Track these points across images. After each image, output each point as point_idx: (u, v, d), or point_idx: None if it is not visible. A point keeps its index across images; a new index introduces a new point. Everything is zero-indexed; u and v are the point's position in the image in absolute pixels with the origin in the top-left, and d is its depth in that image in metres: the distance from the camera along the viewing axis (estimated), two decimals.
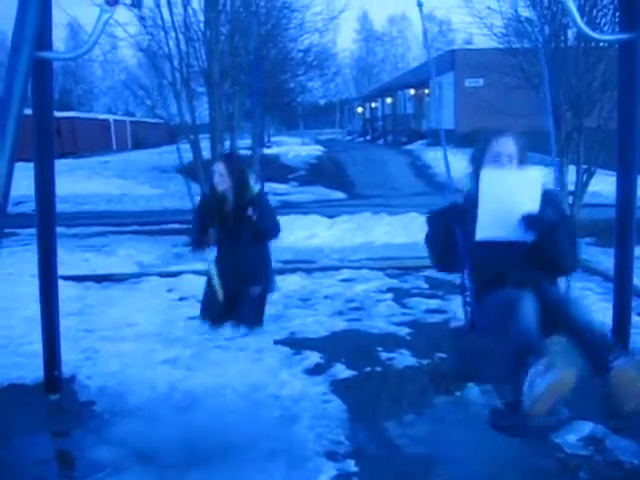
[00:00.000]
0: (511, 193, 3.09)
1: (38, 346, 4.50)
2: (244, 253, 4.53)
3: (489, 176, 3.11)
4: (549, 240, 3.05)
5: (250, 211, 4.42)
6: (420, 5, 3.71)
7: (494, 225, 3.09)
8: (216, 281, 4.54)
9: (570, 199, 12.21)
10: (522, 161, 3.24)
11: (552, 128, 3.82)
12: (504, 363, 2.86)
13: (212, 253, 4.64)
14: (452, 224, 3.20)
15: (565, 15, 10.47)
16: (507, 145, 3.21)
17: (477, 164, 3.25)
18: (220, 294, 4.53)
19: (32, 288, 4.58)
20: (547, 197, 3.16)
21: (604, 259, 7.76)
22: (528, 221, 3.06)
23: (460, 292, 3.39)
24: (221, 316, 4.59)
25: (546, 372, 2.65)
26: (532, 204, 3.08)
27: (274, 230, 4.66)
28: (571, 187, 12.23)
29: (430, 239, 3.36)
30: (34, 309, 4.51)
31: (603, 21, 11.28)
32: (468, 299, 3.27)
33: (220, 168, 4.57)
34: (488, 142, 3.24)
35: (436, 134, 31.23)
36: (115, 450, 3.67)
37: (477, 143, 3.36)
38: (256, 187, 4.60)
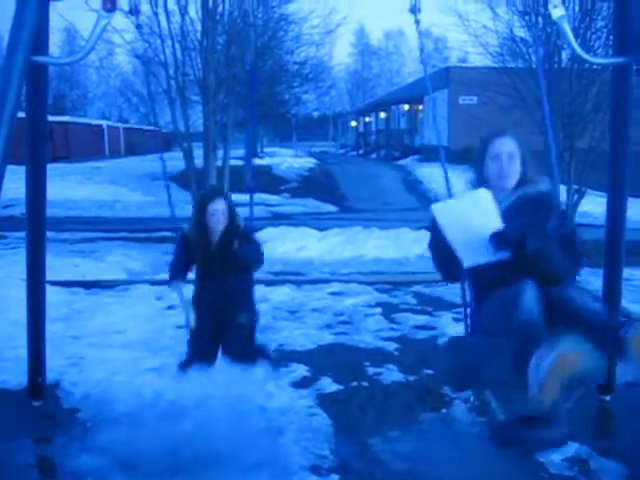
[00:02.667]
0: (469, 218, 3.04)
1: (23, 351, 4.47)
2: (229, 285, 4.46)
3: (440, 209, 3.11)
4: (524, 257, 2.93)
5: (236, 244, 4.39)
6: (417, 22, 3.74)
7: (472, 252, 3.04)
8: (190, 315, 4.54)
9: None
10: (525, 160, 3.18)
11: (553, 145, 3.78)
12: (507, 360, 2.76)
13: (187, 288, 4.60)
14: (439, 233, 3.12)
15: (560, 37, 10.57)
16: (506, 144, 3.16)
17: (478, 167, 3.21)
18: (192, 324, 4.52)
19: (19, 292, 4.55)
20: (534, 203, 3.11)
21: (593, 280, 7.77)
22: (495, 241, 2.98)
23: (462, 299, 3.30)
24: (210, 351, 4.49)
25: (549, 354, 2.60)
26: (493, 223, 3.01)
27: (260, 261, 4.62)
28: (561, 207, 12.29)
29: (432, 246, 3.27)
30: (21, 313, 4.48)
31: (597, 44, 11.41)
32: (469, 309, 3.21)
33: (222, 207, 4.47)
34: (487, 143, 3.20)
35: (429, 150, 31.36)
36: (98, 458, 3.63)
37: (478, 147, 3.30)
38: (241, 221, 4.61)
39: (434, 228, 3.21)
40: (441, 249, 3.14)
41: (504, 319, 2.78)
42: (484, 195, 3.05)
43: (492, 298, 2.96)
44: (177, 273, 4.60)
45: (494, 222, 3.02)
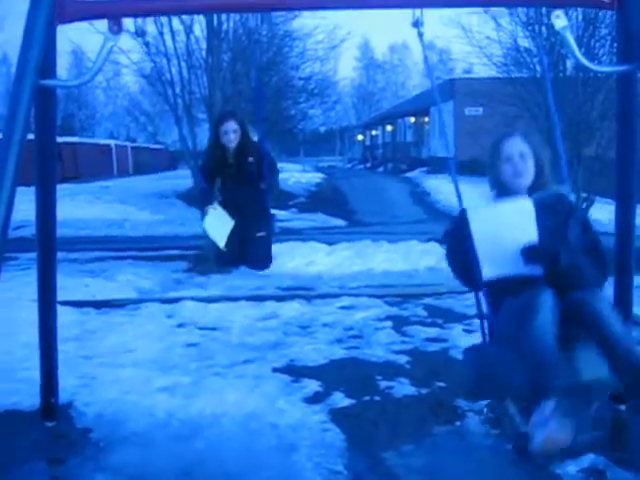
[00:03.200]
0: (504, 227, 2.98)
1: (35, 372, 4.48)
2: (247, 198, 4.93)
3: (478, 216, 3.04)
4: (557, 272, 2.88)
5: (251, 159, 4.91)
6: (421, 35, 3.75)
7: (497, 263, 2.97)
8: (215, 229, 4.89)
9: None
10: (539, 160, 3.14)
11: (562, 151, 3.73)
12: (520, 374, 2.73)
13: (216, 204, 4.95)
14: (465, 236, 3.06)
15: (564, 46, 10.60)
16: (517, 145, 3.12)
17: (494, 171, 3.19)
18: (222, 242, 4.86)
19: (31, 313, 4.57)
20: (552, 208, 3.06)
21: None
22: (527, 255, 2.92)
23: (477, 310, 3.23)
24: (233, 259, 5.14)
25: (547, 422, 2.63)
26: (528, 235, 2.94)
27: (276, 172, 5.22)
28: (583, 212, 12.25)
29: (449, 255, 3.22)
30: (32, 334, 4.50)
31: (601, 52, 11.42)
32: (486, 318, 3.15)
33: (233, 126, 4.92)
34: (498, 147, 3.16)
35: (436, 162, 31.36)
36: (112, 478, 3.63)
37: (489, 151, 3.27)
38: (255, 137, 5.15)
39: (449, 237, 3.19)
40: (460, 255, 3.09)
41: (521, 326, 2.71)
42: (526, 205, 2.99)
43: (509, 304, 2.89)
44: (206, 191, 5.08)
45: (529, 234, 2.94)
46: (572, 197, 3.23)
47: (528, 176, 3.13)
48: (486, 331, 3.15)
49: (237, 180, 4.97)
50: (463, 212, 3.10)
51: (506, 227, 2.97)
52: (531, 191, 3.12)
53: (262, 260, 5.12)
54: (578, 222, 3.07)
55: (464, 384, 3.25)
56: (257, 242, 5.04)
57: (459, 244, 3.09)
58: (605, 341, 2.74)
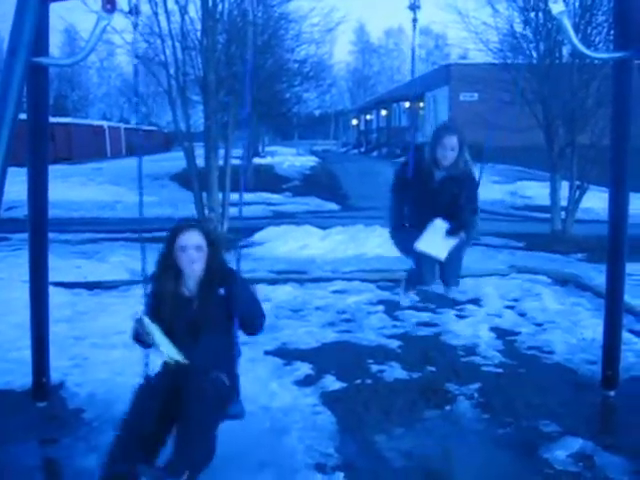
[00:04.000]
0: (439, 229, 4.47)
1: (27, 352, 4.48)
2: (208, 359, 3.32)
3: (421, 242, 4.47)
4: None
5: (222, 292, 3.36)
6: (414, 21, 3.74)
7: (429, 246, 4.47)
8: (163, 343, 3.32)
9: (562, 214, 12.28)
10: (462, 149, 4.39)
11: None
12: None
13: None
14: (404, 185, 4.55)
15: (560, 32, 10.56)
16: (453, 141, 4.34)
17: (432, 148, 4.44)
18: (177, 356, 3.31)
19: (23, 293, 4.56)
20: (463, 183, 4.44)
21: (595, 275, 7.79)
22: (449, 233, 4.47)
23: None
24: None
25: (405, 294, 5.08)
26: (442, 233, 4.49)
27: (261, 325, 3.51)
28: (564, 203, 12.30)
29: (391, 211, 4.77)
30: (24, 315, 4.49)
31: (598, 39, 11.41)
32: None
33: (197, 239, 3.35)
34: (440, 137, 4.40)
35: None
36: (104, 458, 3.63)
37: (433, 134, 4.46)
38: (229, 264, 3.49)
39: (398, 177, 4.66)
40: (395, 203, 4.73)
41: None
42: (443, 224, 4.45)
43: (414, 253, 4.50)
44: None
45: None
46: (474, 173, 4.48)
47: (452, 159, 4.41)
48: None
49: (195, 326, 3.36)
50: (407, 158, 4.50)
51: (439, 229, 4.50)
52: (449, 167, 4.43)
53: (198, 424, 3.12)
54: (470, 186, 4.47)
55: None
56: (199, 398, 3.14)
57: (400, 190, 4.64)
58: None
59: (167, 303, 3.40)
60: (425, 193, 4.44)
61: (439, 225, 4.48)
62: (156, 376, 3.43)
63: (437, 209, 4.45)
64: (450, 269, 4.59)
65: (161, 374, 3.43)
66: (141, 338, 3.41)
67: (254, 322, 3.49)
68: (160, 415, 3.18)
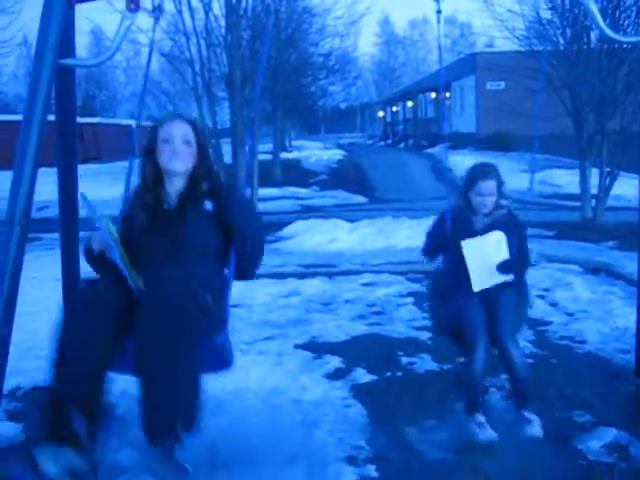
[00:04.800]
0: (489, 252, 3.97)
1: None
2: (189, 281, 2.84)
3: (469, 246, 3.98)
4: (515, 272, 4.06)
5: (209, 205, 2.93)
6: (439, 12, 3.73)
7: (484, 278, 3.98)
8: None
9: (593, 202, 12.12)
10: (499, 191, 4.03)
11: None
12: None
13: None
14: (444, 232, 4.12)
15: (587, 17, 10.41)
16: (491, 186, 3.97)
17: (466, 189, 4.08)
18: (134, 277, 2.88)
19: (55, 292, 4.62)
20: (505, 223, 4.05)
21: (628, 263, 7.67)
22: (504, 267, 3.98)
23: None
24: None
25: (481, 428, 3.80)
26: (503, 254, 3.99)
27: (260, 254, 3.01)
28: (594, 190, 12.14)
29: (426, 248, 4.42)
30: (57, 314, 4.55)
31: (627, 22, 11.21)
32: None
33: (185, 130, 2.98)
34: (475, 181, 4.01)
35: (457, 137, 31.10)
36: (137, 453, 3.68)
37: (467, 176, 4.10)
38: (215, 166, 3.20)
39: (435, 232, 4.27)
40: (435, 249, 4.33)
41: (462, 343, 3.97)
42: (499, 236, 4.00)
43: (457, 314, 3.93)
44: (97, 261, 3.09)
45: (503, 254, 3.99)
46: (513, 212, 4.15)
47: (490, 208, 4.06)
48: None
49: (175, 247, 2.94)
50: (444, 213, 4.17)
51: (489, 252, 3.99)
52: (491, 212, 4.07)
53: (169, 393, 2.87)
54: (520, 234, 4.10)
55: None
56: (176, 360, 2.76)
57: (437, 240, 4.25)
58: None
59: (142, 222, 2.98)
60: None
61: (492, 240, 3.99)
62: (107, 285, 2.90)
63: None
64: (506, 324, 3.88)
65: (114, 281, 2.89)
66: (93, 258, 3.05)
67: (253, 255, 2.95)
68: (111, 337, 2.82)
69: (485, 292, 3.95)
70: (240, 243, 2.93)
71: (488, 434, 3.71)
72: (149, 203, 3.00)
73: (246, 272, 3.05)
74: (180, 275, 2.82)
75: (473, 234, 4.00)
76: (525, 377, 3.87)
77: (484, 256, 3.98)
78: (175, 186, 2.99)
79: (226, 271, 3.03)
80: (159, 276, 2.83)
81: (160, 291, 2.76)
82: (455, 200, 4.19)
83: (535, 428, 3.75)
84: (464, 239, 3.97)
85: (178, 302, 2.70)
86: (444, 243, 4.12)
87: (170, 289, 2.76)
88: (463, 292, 3.95)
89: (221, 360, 3.07)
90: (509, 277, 4.00)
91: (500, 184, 4.02)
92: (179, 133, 2.98)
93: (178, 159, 2.94)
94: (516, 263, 4.01)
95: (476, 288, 3.94)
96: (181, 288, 2.76)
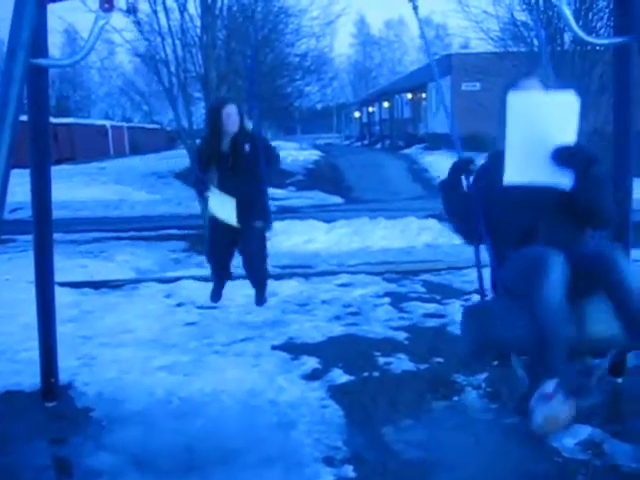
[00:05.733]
0: (544, 122, 2.65)
1: (35, 353, 4.50)
2: (244, 188, 4.83)
3: (518, 101, 2.66)
4: (585, 182, 2.71)
5: (247, 148, 4.84)
6: (415, 8, 3.71)
7: (525, 165, 2.68)
8: (222, 209, 4.85)
9: None
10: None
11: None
12: (529, 332, 2.66)
13: (213, 188, 4.93)
14: (463, 177, 3.03)
15: (561, 19, 10.51)
16: (532, 83, 2.99)
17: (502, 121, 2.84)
18: (232, 219, 4.82)
19: (29, 294, 4.58)
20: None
21: None
22: (563, 155, 2.69)
23: (475, 259, 3.15)
24: (228, 253, 5.15)
25: (549, 400, 2.61)
26: (569, 135, 2.66)
27: (276, 158, 5.12)
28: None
29: (446, 206, 3.15)
30: (31, 315, 4.51)
31: (599, 24, 11.34)
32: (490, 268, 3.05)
33: (234, 110, 4.90)
34: (515, 85, 3.00)
35: (434, 138, 31.26)
36: (113, 456, 3.66)
37: (503, 89, 3.00)
38: (249, 125, 5.06)
39: (446, 185, 3.14)
40: (457, 205, 3.07)
41: (527, 284, 2.65)
42: (572, 100, 2.71)
43: (517, 257, 2.83)
44: (200, 176, 5.01)
45: (569, 135, 2.66)
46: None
47: None
48: (485, 286, 3.11)
49: (234, 170, 4.92)
50: (459, 162, 3.10)
51: (547, 121, 2.67)
52: None
53: (256, 255, 5.10)
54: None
55: (467, 346, 3.05)
56: (252, 235, 5.03)
57: (454, 194, 3.08)
58: (620, 300, 2.69)
59: (215, 154, 4.92)
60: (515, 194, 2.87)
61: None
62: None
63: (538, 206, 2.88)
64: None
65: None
66: (200, 189, 5.03)
67: (274, 157, 5.12)
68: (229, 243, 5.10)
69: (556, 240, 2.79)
70: (265, 165, 4.95)
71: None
72: (216, 146, 4.97)
73: (269, 177, 5.07)
74: (241, 187, 4.92)
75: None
76: None
77: (537, 124, 2.65)
78: (227, 138, 4.95)
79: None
80: (229, 187, 4.95)
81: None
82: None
83: None
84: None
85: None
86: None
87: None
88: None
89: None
90: (566, 181, 2.70)
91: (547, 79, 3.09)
92: (234, 110, 4.92)
93: (235, 124, 4.90)
94: (593, 167, 2.74)
95: (507, 178, 2.72)
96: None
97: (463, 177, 3.05)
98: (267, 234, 5.18)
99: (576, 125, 2.70)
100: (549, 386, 2.61)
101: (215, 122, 4.92)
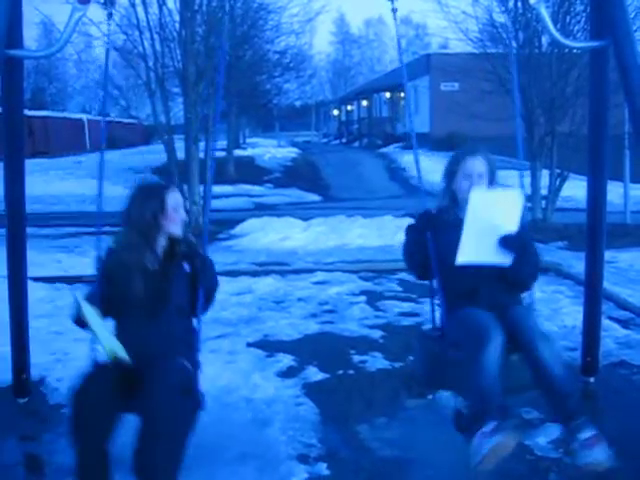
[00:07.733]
0: (495, 215, 3.18)
1: (7, 349, 4.43)
2: (171, 331, 3.23)
3: (478, 197, 3.18)
4: (520, 260, 3.23)
5: (186, 267, 3.20)
6: (394, 11, 3.72)
7: (477, 249, 3.17)
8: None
9: (543, 203, 12.35)
10: (491, 179, 3.39)
11: (520, 131, 3.93)
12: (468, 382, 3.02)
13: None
14: (424, 230, 3.34)
15: (539, 21, 10.59)
16: (478, 165, 3.35)
17: (449, 180, 3.43)
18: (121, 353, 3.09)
19: (2, 289, 4.51)
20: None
21: (576, 263, 7.84)
22: (507, 242, 3.20)
23: (429, 295, 3.58)
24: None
25: (492, 435, 2.85)
26: (513, 225, 3.21)
27: (215, 293, 3.42)
28: (544, 191, 12.37)
29: (407, 248, 3.47)
30: (3, 310, 4.44)
31: (576, 28, 11.46)
32: (437, 303, 3.43)
33: (180, 200, 3.26)
34: (460, 161, 3.40)
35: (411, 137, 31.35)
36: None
37: (450, 160, 3.48)
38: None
39: (414, 230, 3.44)
40: (420, 249, 3.35)
41: (469, 349, 3.02)
42: (518, 197, 3.26)
43: (462, 318, 3.17)
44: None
45: (513, 225, 3.20)
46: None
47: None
48: (436, 314, 3.50)
49: (157, 302, 3.17)
50: (428, 212, 3.41)
51: (498, 214, 3.19)
52: None
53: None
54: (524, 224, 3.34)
55: (416, 374, 3.61)
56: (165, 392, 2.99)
57: (420, 239, 3.34)
58: (542, 385, 3.13)
59: (125, 276, 3.11)
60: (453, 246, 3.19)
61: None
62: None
63: (481, 272, 3.22)
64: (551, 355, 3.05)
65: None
66: (82, 320, 3.21)
67: (212, 298, 3.43)
68: (109, 405, 3.03)
69: (494, 302, 3.21)
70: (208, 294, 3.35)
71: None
72: (135, 263, 3.21)
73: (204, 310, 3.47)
74: (161, 341, 3.17)
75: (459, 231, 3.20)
76: (567, 386, 3.07)
77: (489, 217, 3.13)
78: (160, 247, 3.24)
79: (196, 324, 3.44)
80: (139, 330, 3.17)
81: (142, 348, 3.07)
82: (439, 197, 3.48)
83: (600, 452, 2.97)
84: (450, 238, 3.19)
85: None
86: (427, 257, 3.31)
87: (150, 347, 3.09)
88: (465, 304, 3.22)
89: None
90: (507, 261, 3.18)
91: (492, 166, 3.39)
92: (181, 203, 3.35)
93: (180, 225, 3.23)
94: (527, 248, 3.23)
95: (461, 259, 3.14)
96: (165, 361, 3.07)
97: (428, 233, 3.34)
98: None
99: (519, 216, 3.21)
100: (489, 426, 2.88)
101: (151, 214, 3.21)
